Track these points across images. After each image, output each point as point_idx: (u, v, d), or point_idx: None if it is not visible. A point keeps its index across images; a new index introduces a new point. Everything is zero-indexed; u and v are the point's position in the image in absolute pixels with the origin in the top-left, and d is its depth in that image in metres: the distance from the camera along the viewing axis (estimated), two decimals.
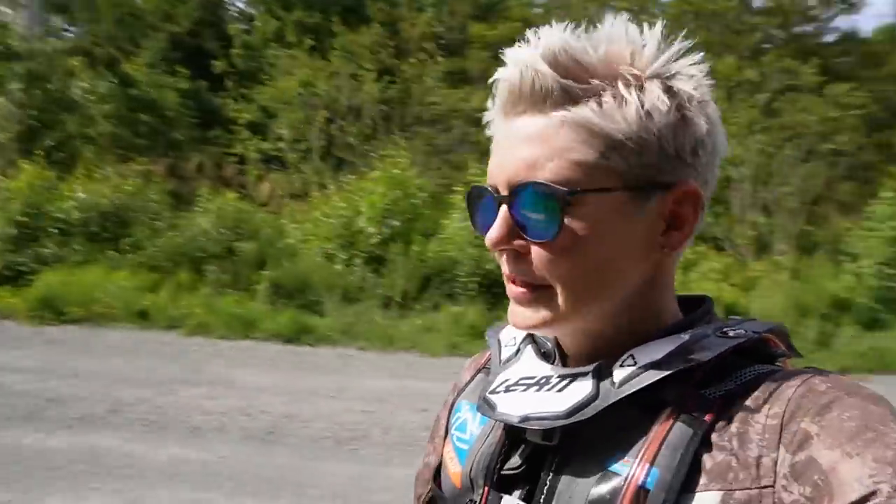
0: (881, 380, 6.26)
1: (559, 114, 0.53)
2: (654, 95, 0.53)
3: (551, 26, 0.55)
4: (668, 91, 0.54)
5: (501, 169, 0.57)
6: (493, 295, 8.64)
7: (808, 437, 0.47)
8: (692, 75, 0.55)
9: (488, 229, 0.57)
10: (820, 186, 11.99)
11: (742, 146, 12.37)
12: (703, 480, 0.50)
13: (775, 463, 0.48)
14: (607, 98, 0.53)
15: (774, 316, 8.83)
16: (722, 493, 0.49)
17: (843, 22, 16.15)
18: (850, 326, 8.77)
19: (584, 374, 0.57)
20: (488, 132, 0.61)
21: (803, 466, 0.46)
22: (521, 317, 0.59)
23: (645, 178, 0.54)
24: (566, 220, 0.53)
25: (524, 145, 0.55)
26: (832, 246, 10.96)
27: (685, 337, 0.55)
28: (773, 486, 0.47)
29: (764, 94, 13.09)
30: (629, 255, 0.57)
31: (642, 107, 0.53)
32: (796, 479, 0.46)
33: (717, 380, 0.54)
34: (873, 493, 0.43)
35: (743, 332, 0.56)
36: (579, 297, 0.56)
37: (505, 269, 0.59)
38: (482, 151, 12.64)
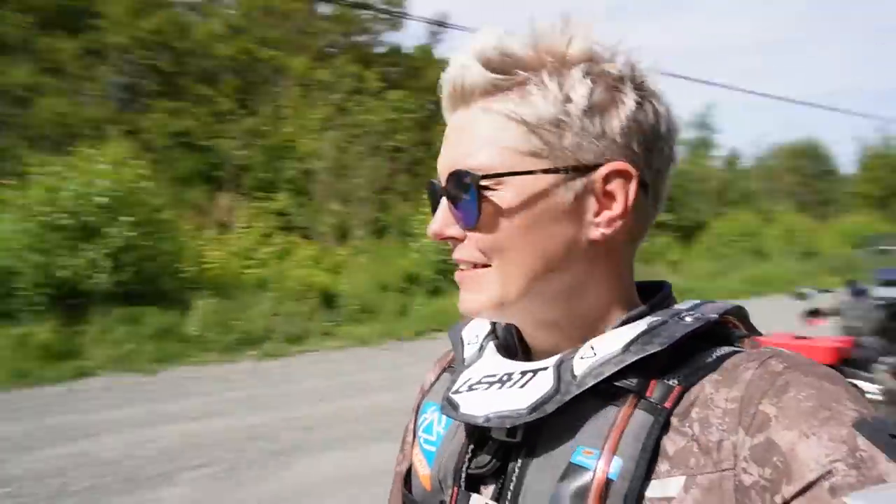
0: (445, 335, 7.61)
1: (483, 104, 0.56)
2: (575, 79, 0.54)
3: (481, 31, 0.57)
4: (591, 73, 0.55)
5: (441, 162, 0.59)
6: (69, 308, 7.37)
7: (767, 419, 0.47)
8: (620, 58, 0.56)
9: None
10: (385, 178, 13.75)
11: (319, 141, 13.32)
12: (665, 467, 0.50)
13: (735, 446, 0.48)
14: (531, 87, 0.55)
15: (361, 293, 9.88)
16: (685, 478, 0.49)
17: (391, 37, 18.77)
18: (420, 296, 10.45)
19: (545, 369, 0.56)
20: None
21: (762, 448, 0.47)
22: (466, 302, 0.60)
23: (568, 160, 0.55)
24: (484, 205, 0.55)
25: (456, 138, 0.58)
26: (399, 229, 12.66)
27: (643, 325, 0.56)
28: (733, 469, 0.48)
29: (337, 95, 14.27)
30: (561, 236, 0.56)
31: (561, 90, 0.54)
32: (756, 460, 0.47)
33: (677, 366, 0.54)
34: (829, 472, 0.43)
35: (699, 315, 0.56)
36: (513, 277, 0.57)
37: (453, 255, 0.60)
38: (31, 137, 10.49)
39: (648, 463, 0.50)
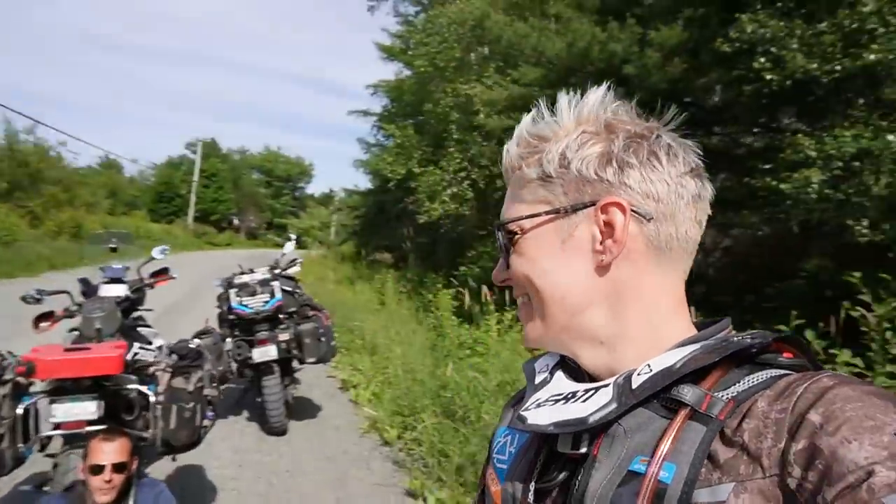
0: None
1: (519, 173, 0.70)
2: (571, 139, 0.66)
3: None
4: (583, 133, 0.66)
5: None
6: None
7: (813, 427, 0.50)
8: (599, 116, 0.67)
9: None
10: None
11: None
12: (717, 475, 0.53)
13: (782, 452, 0.51)
14: (542, 155, 0.67)
15: None
16: (734, 484, 0.52)
17: None
18: None
19: (606, 385, 0.62)
20: None
21: (806, 453, 0.49)
22: (525, 334, 0.71)
23: (571, 202, 0.66)
24: (513, 249, 0.68)
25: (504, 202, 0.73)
26: None
27: (696, 346, 0.61)
28: (779, 475, 0.50)
29: None
30: (577, 268, 0.66)
31: (560, 151, 0.66)
32: (799, 465, 0.49)
33: (732, 384, 0.58)
34: (869, 474, 0.45)
35: (749, 339, 0.60)
36: (550, 310, 0.67)
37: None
38: None
39: (700, 470, 0.53)
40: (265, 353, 4.97)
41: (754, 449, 0.52)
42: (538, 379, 0.71)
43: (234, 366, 5.01)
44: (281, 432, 5.18)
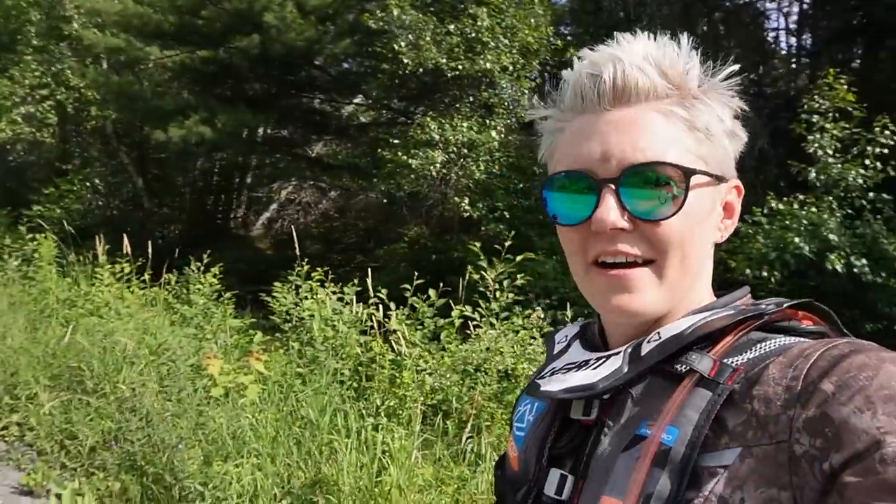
0: None
1: (657, 107, 0.60)
2: (720, 104, 0.62)
3: (634, 36, 0.62)
4: (727, 105, 0.63)
5: (606, 153, 0.59)
6: None
7: (824, 395, 0.49)
8: (733, 95, 0.63)
9: (583, 215, 0.60)
10: None
11: None
12: (724, 440, 0.53)
13: (791, 419, 0.50)
14: (695, 102, 0.61)
15: None
16: (741, 448, 0.51)
17: None
18: None
19: (617, 354, 0.62)
20: (548, 122, 0.67)
21: (816, 421, 0.48)
22: (631, 302, 0.60)
23: (716, 170, 0.62)
24: (685, 199, 0.58)
25: (632, 132, 0.59)
26: None
27: (707, 313, 0.60)
28: (787, 441, 0.49)
29: None
30: (709, 236, 0.64)
31: (715, 111, 0.61)
32: (808, 431, 0.48)
33: (742, 351, 0.57)
34: (878, 443, 0.44)
35: (763, 306, 0.60)
36: (680, 275, 0.61)
37: (605, 246, 0.60)
38: None
39: (710, 435, 0.53)
40: None
41: (763, 415, 0.52)
42: (556, 349, 0.72)
43: None
44: None
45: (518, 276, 4.28)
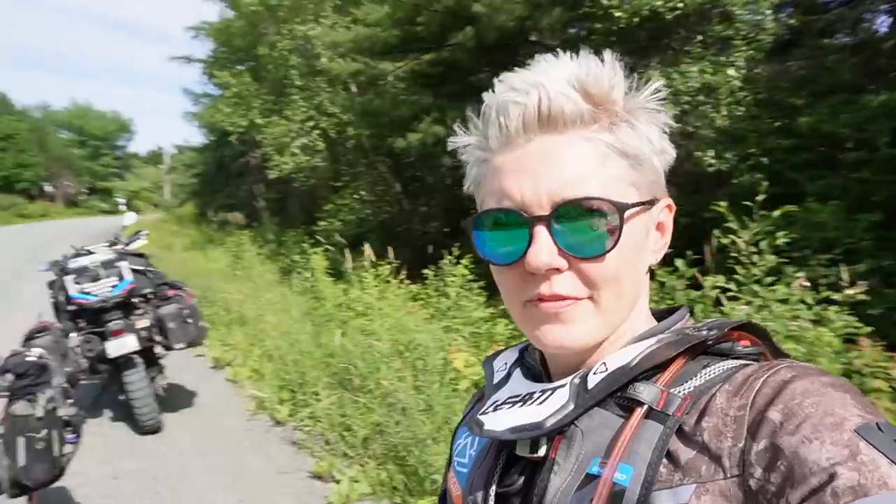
0: None
1: (592, 134, 0.57)
2: (647, 124, 0.59)
3: (555, 57, 0.59)
4: (655, 122, 0.60)
5: (536, 189, 0.57)
6: None
7: (772, 425, 0.48)
8: (659, 111, 0.61)
9: (516, 254, 0.58)
10: None
11: None
12: (678, 476, 0.51)
13: (742, 452, 0.49)
14: (620, 124, 0.58)
15: None
16: (695, 485, 0.50)
17: None
18: None
19: (562, 386, 0.60)
20: (470, 150, 0.64)
21: (767, 453, 0.48)
22: (567, 338, 0.58)
23: (651, 193, 0.60)
24: (622, 234, 0.56)
25: (561, 165, 0.56)
26: None
27: (652, 342, 0.60)
28: (741, 475, 0.49)
29: None
30: (645, 262, 0.62)
31: (647, 136, 0.59)
32: (761, 465, 0.48)
33: (689, 378, 0.57)
34: (832, 477, 0.44)
35: (706, 331, 0.59)
36: (618, 307, 0.59)
37: (541, 290, 0.58)
38: None
39: (657, 471, 0.52)
40: (122, 345, 4.34)
41: (714, 448, 0.51)
42: (496, 378, 0.70)
43: (84, 364, 4.35)
44: (155, 430, 4.63)
45: (780, 233, 3.62)
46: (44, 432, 2.45)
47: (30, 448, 2.42)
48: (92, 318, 4.46)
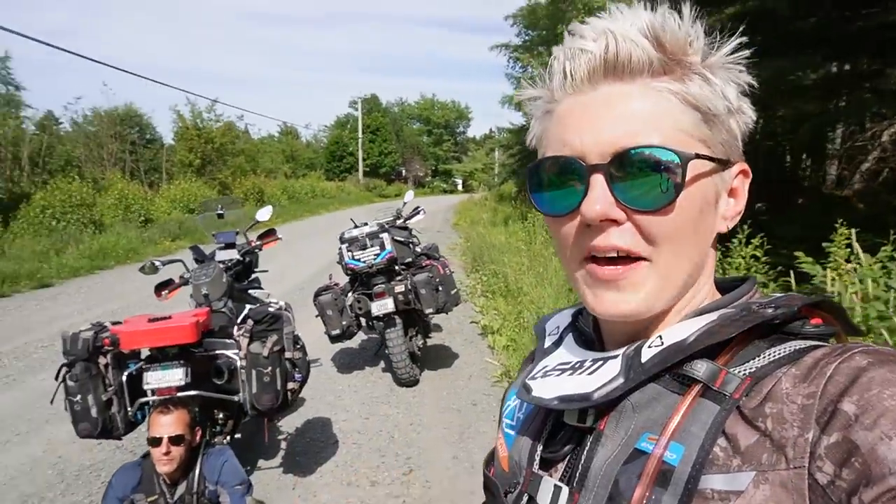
0: None
1: (660, 84, 0.54)
2: (724, 80, 0.55)
3: (633, 9, 0.56)
4: (735, 80, 0.56)
5: (596, 137, 0.54)
6: None
7: (846, 418, 0.45)
8: (741, 70, 0.57)
9: (572, 205, 0.56)
10: None
11: None
12: (736, 461, 0.49)
13: (810, 443, 0.46)
14: (694, 77, 0.55)
15: None
16: (755, 473, 0.47)
17: None
18: None
19: (615, 357, 0.58)
20: (538, 104, 0.62)
21: (840, 447, 0.45)
22: (622, 303, 0.56)
23: (720, 153, 0.56)
24: (683, 187, 0.53)
25: (623, 113, 0.54)
26: None
27: (714, 316, 0.56)
28: (807, 468, 0.46)
29: None
30: (711, 227, 0.58)
31: (723, 93, 0.55)
32: (832, 460, 0.45)
33: (751, 357, 0.53)
34: None
35: (772, 308, 0.54)
36: (677, 271, 0.56)
37: (597, 242, 0.55)
38: None
39: (713, 452, 0.49)
40: (382, 306, 4.95)
41: (778, 437, 0.48)
42: (547, 343, 0.69)
43: (354, 319, 5.07)
44: (411, 383, 5.19)
45: None
46: (269, 369, 2.96)
47: (259, 379, 2.96)
48: (364, 282, 5.18)
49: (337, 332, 5.07)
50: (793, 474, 0.46)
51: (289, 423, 4.50)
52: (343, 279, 5.39)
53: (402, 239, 5.42)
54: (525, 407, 0.69)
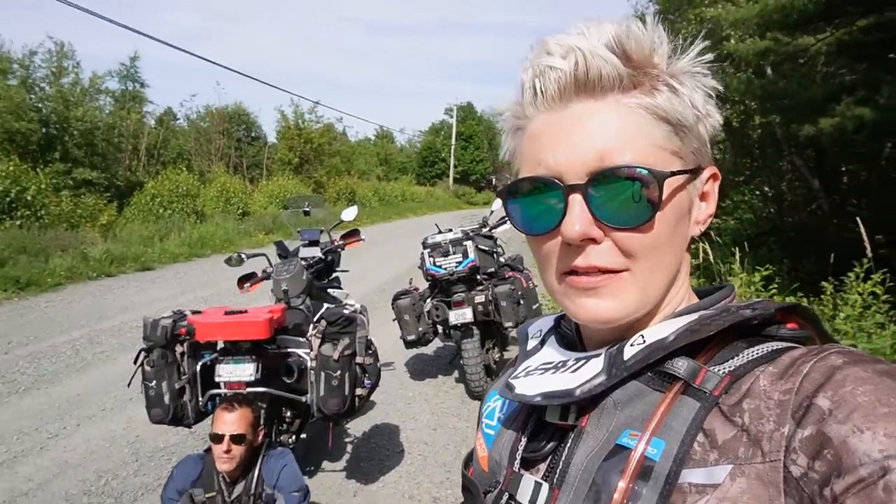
0: None
1: (631, 100, 0.55)
2: (691, 87, 0.57)
3: (596, 22, 0.56)
4: (701, 86, 0.57)
5: (571, 156, 0.55)
6: None
7: (820, 412, 0.46)
8: (706, 74, 0.58)
9: (551, 224, 0.57)
10: None
11: None
12: (714, 455, 0.50)
13: (786, 437, 0.47)
14: (661, 88, 0.56)
15: None
16: (731, 466, 0.49)
17: None
18: None
19: (597, 356, 0.59)
20: (510, 124, 0.62)
21: (813, 440, 0.45)
22: (604, 311, 0.56)
23: (695, 161, 0.58)
24: (662, 204, 0.55)
25: (597, 131, 0.55)
26: None
27: (693, 317, 0.57)
28: (782, 460, 0.47)
29: None
30: (686, 234, 0.60)
31: (691, 101, 0.56)
32: (805, 452, 0.46)
33: (730, 357, 0.54)
34: (883, 469, 0.41)
35: (750, 310, 0.55)
36: (657, 280, 0.57)
37: (577, 262, 0.56)
38: None
39: (692, 448, 0.50)
40: (461, 315, 4.80)
41: (755, 431, 0.49)
42: (530, 345, 0.70)
43: (431, 326, 4.96)
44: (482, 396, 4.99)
45: None
46: (338, 372, 2.88)
47: (328, 382, 2.89)
48: (444, 289, 5.06)
49: (412, 337, 4.98)
50: (768, 467, 0.47)
51: (356, 426, 4.44)
52: (423, 284, 5.31)
53: (487, 248, 5.26)
54: (507, 407, 0.70)
